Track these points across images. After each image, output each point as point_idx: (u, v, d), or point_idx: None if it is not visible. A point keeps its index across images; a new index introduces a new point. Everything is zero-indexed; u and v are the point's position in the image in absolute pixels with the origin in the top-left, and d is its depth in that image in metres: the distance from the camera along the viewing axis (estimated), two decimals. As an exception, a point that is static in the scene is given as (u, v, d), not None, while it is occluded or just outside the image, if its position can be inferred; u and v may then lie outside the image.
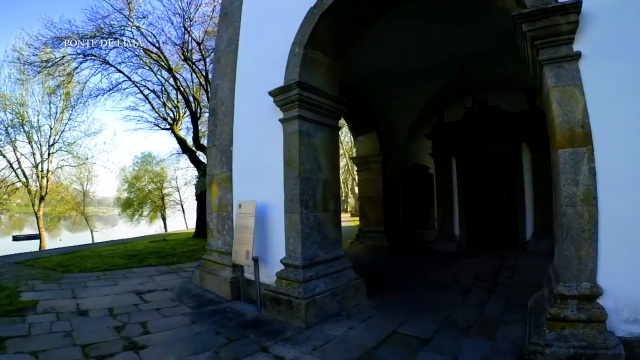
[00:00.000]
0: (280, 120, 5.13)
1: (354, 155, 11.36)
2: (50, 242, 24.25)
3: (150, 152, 31.89)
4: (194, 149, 14.92)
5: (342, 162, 57.25)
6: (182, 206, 37.90)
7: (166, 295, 6.09)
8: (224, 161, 6.55)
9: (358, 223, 11.23)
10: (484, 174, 10.78)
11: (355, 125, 10.51)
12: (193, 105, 15.15)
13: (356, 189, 54.24)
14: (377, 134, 10.27)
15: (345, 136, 45.14)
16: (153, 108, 16.08)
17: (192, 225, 34.51)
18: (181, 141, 15.43)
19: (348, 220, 29.89)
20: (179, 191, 37.52)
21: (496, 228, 10.39)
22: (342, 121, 8.27)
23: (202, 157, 14.91)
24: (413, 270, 7.68)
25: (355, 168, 10.87)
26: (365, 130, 10.40)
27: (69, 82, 16.90)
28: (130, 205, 34.98)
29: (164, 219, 34.84)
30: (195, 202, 14.90)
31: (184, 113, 16.28)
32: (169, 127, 15.84)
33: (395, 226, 10.94)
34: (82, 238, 26.67)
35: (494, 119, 10.26)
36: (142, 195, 34.89)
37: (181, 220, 37.05)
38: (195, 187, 14.74)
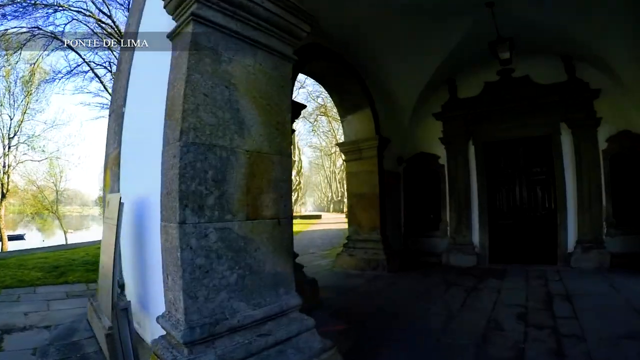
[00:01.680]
0: (169, 37, 2.60)
1: (341, 141, 8.79)
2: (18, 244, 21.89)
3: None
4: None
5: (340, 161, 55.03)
6: None
7: (36, 341, 3.75)
8: (116, 131, 4.04)
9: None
10: (511, 165, 8.28)
11: (342, 101, 7.98)
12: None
13: None
14: (371, 111, 7.75)
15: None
16: (109, 92, 13.56)
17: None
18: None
19: (343, 221, 27.81)
20: None
21: (527, 235, 7.90)
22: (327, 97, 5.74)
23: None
24: (423, 303, 5.16)
25: (343, 157, 8.35)
26: (355, 107, 7.88)
27: (16, 62, 14.43)
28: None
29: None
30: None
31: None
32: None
33: (395, 233, 8.43)
34: (56, 239, 24.79)
35: (523, 93, 7.84)
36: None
37: None
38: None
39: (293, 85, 4.25)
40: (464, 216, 8.34)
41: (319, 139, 54.27)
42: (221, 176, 2.32)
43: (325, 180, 72.77)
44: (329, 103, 39.31)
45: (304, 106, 6.56)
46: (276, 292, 2.61)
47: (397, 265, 7.51)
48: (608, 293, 5.25)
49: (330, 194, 73.55)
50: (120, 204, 2.57)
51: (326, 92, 34.31)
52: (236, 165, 2.41)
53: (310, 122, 38.35)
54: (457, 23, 6.51)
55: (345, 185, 54.22)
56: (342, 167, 40.86)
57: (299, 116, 6.78)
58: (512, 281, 6.36)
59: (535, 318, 4.29)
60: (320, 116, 38.21)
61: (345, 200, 57.96)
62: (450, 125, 8.69)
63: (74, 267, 8.38)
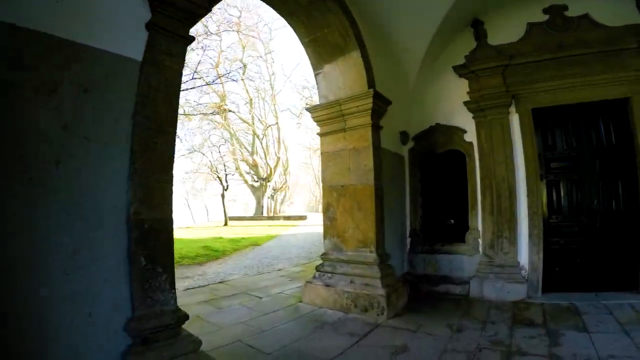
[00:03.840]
0: None
1: (314, 104, 5.72)
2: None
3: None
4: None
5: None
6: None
7: None
8: None
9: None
10: (572, 143, 5.46)
11: (316, 42, 5.05)
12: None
13: None
14: (361, 56, 4.85)
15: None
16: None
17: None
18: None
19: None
20: None
21: (596, 249, 5.11)
22: None
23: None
24: None
25: (318, 130, 5.40)
26: (335, 51, 4.99)
27: None
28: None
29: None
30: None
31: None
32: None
33: (396, 249, 5.55)
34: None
35: (585, 38, 5.15)
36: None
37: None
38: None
39: None
40: (506, 222, 5.45)
41: (306, 136, 51.59)
42: None
43: (314, 180, 70.11)
44: (315, 95, 36.45)
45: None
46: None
47: (401, 303, 4.64)
48: None
49: (318, 194, 70.91)
50: None
51: (313, 85, 31.26)
52: None
53: (294, 114, 35.37)
54: None
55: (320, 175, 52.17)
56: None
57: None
58: (604, 335, 3.52)
59: None
60: (306, 109, 35.20)
61: (322, 202, 56.41)
62: (481, 84, 5.79)
63: None
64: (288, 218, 32.28)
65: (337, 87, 5.17)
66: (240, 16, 27.36)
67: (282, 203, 51.95)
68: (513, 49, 5.58)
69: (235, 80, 21.51)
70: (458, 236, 5.88)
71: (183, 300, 5.15)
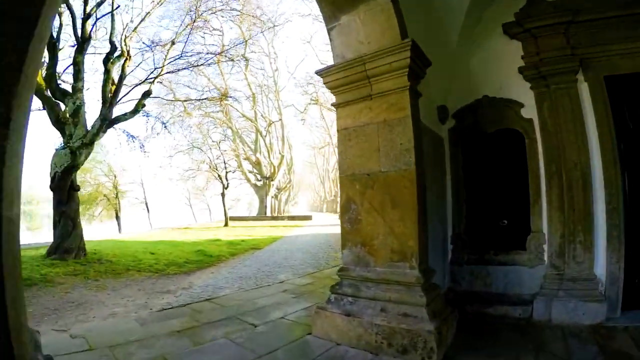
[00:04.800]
0: None
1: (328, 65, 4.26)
2: None
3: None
4: (47, 94, 7.90)
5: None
6: (146, 204, 33.73)
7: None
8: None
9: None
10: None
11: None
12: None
13: None
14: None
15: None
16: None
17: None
18: (38, 87, 8.45)
19: (336, 223, 23.18)
20: (142, 186, 33.46)
21: None
22: None
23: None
24: None
25: (333, 100, 4.03)
26: (357, -9, 3.63)
27: None
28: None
29: (118, 219, 28.55)
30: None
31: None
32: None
33: (437, 259, 4.16)
34: None
35: None
36: (88, 193, 28.87)
37: (137, 221, 32.11)
38: (52, 165, 7.78)
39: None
40: (580, 222, 4.09)
41: (311, 135, 50.25)
42: None
43: (319, 179, 68.76)
44: (321, 89, 35.19)
45: None
46: None
47: (451, 335, 3.30)
48: None
49: (323, 194, 69.55)
50: None
51: (318, 82, 30.06)
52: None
53: (298, 110, 34.02)
54: None
55: (334, 184, 50.71)
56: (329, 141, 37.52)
57: None
58: None
59: None
60: (311, 104, 33.92)
61: (340, 199, 54.85)
62: (539, 45, 4.43)
63: None
64: (292, 218, 30.94)
65: (357, 42, 3.80)
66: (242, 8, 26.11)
67: (286, 203, 50.71)
68: (575, 3, 4.21)
69: (234, 60, 20.15)
70: (514, 241, 4.51)
71: (151, 329, 3.79)
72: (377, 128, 3.59)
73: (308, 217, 31.06)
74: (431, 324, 3.02)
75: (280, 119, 33.23)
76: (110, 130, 9.37)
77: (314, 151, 55.09)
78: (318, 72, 4.04)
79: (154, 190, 38.91)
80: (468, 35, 4.73)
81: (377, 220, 3.45)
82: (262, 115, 33.31)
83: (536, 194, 4.42)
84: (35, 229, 29.54)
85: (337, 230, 14.53)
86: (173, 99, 16.52)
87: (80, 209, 30.83)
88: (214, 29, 22.80)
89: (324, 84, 4.01)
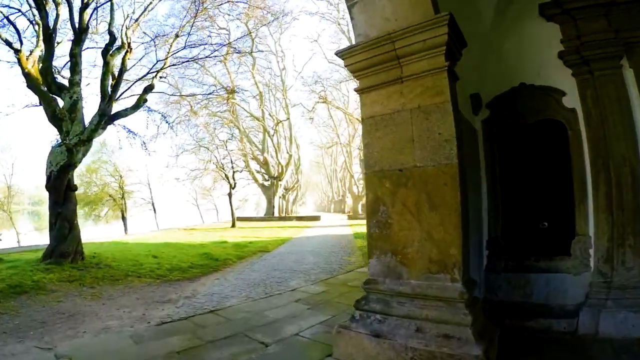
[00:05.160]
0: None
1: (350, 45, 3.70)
2: None
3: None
4: (44, 88, 7.46)
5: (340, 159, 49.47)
6: (153, 205, 33.41)
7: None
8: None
9: (367, 254, 3.61)
10: None
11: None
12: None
13: (355, 188, 45.18)
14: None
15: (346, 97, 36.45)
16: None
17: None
18: (33, 81, 7.96)
19: (346, 224, 22.99)
20: (149, 187, 32.66)
21: None
22: None
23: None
24: None
25: (356, 84, 3.50)
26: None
27: None
28: (85, 203, 28.88)
29: (124, 220, 28.26)
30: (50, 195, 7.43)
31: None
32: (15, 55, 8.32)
33: (473, 264, 3.61)
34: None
35: None
36: (94, 193, 28.74)
37: (144, 221, 31.78)
38: (47, 164, 7.35)
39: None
40: (630, 223, 3.62)
41: (319, 135, 49.72)
42: None
43: (326, 179, 68.21)
44: (329, 88, 34.61)
45: None
46: None
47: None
48: None
49: (331, 194, 68.96)
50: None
51: (326, 81, 29.53)
52: None
53: (306, 108, 33.48)
54: None
55: (342, 184, 50.50)
56: (342, 166, 37.21)
57: None
58: None
59: None
60: (319, 103, 33.34)
61: (349, 199, 53.35)
62: (579, 28, 3.92)
63: None
64: (300, 219, 30.44)
65: (383, 18, 3.28)
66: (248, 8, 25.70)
67: (293, 203, 50.19)
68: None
69: (239, 52, 19.78)
70: (557, 245, 3.96)
71: (147, 349, 3.25)
72: (411, 116, 3.07)
73: (316, 218, 30.52)
74: (478, 347, 2.51)
75: (288, 118, 32.74)
76: (111, 128, 8.96)
77: (321, 151, 54.56)
78: (338, 53, 3.52)
79: (161, 191, 38.77)
80: (501, 17, 4.21)
81: (412, 224, 2.92)
82: (269, 114, 32.89)
83: (581, 192, 3.89)
84: (44, 229, 29.34)
85: (347, 231, 14.06)
86: (178, 95, 15.94)
87: (86, 210, 30.47)
88: (221, 28, 22.39)
89: (346, 66, 3.49)
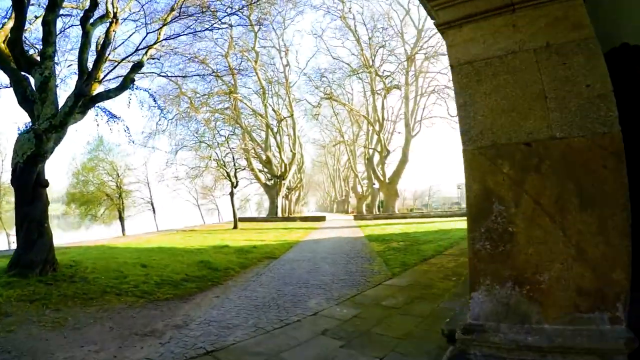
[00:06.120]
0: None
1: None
2: None
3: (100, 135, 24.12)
4: (13, 65, 6.26)
5: (344, 157, 48.10)
6: (152, 205, 32.29)
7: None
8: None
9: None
10: None
11: None
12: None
13: (359, 187, 43.80)
14: None
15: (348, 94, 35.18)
16: None
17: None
18: (3, 57, 6.78)
19: (353, 225, 21.61)
20: (148, 186, 31.50)
21: None
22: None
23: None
24: None
25: (436, 20, 2.28)
26: None
27: None
28: (81, 203, 27.24)
29: (121, 220, 27.05)
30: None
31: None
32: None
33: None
34: None
35: None
36: (91, 192, 27.52)
37: (144, 222, 30.68)
38: (13, 154, 6.14)
39: None
40: None
41: (321, 134, 48.44)
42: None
43: (329, 179, 66.83)
44: (333, 84, 33.37)
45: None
46: None
47: None
48: None
49: (334, 193, 67.60)
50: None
51: (332, 71, 28.36)
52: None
53: (312, 105, 32.26)
54: None
55: (345, 183, 50.10)
56: (345, 165, 36.10)
57: None
58: None
59: None
60: (324, 99, 32.09)
61: (352, 199, 52.83)
62: None
63: None
64: (305, 219, 29.18)
65: None
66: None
67: (296, 203, 48.92)
68: None
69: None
70: None
71: None
72: (536, 58, 1.84)
73: (321, 218, 29.25)
74: None
75: (292, 115, 31.50)
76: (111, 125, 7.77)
77: (323, 150, 53.35)
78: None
79: (161, 190, 37.59)
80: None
81: (551, 233, 1.71)
82: (273, 110, 31.68)
83: None
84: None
85: (358, 233, 12.63)
86: (166, 76, 14.37)
87: (82, 210, 29.12)
88: (223, 23, 21.18)
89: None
